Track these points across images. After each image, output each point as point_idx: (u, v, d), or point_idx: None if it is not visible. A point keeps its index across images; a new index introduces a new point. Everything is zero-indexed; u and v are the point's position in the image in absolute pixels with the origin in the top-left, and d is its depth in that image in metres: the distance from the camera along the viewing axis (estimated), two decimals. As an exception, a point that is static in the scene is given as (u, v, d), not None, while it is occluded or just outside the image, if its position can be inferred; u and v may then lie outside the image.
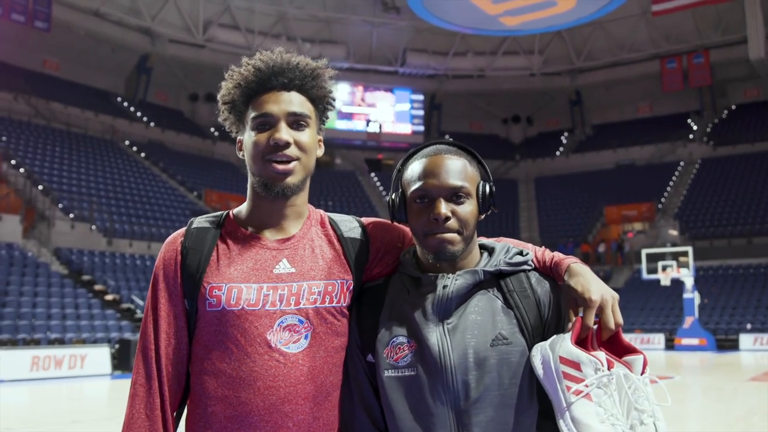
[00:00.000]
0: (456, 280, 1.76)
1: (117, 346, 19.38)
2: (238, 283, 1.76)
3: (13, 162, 28.66)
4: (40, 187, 27.99)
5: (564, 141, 50.03)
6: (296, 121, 1.80)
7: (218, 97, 1.89)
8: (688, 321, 27.33)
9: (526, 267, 1.83)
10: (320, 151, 1.90)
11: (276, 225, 1.85)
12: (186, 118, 45.15)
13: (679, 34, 44.55)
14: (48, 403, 14.01)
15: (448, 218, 1.72)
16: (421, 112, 50.59)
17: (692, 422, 10.39)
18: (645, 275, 29.16)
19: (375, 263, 1.94)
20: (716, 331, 28.44)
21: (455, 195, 1.75)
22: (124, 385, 16.73)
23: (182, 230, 1.87)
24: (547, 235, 40.00)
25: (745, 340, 27.54)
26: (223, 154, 43.14)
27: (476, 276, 1.77)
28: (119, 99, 41.37)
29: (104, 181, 31.44)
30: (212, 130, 44.62)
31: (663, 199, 40.77)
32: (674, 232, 36.13)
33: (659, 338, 28.37)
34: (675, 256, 28.57)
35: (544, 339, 1.73)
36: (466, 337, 1.71)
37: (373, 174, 47.15)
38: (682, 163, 43.27)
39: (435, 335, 1.72)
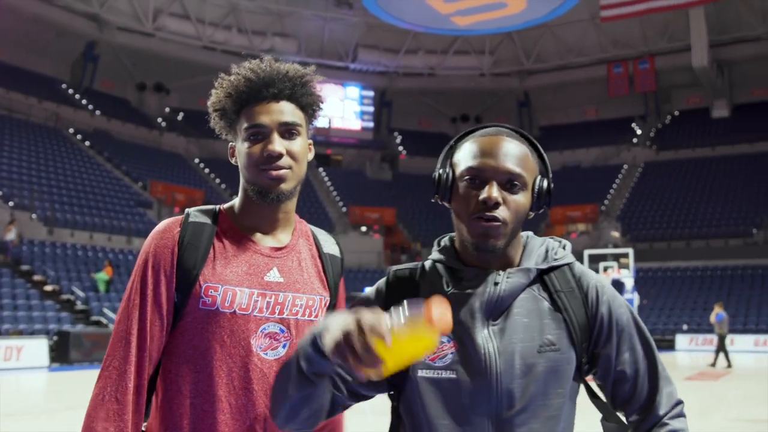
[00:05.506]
0: (508, 278, 1.58)
1: (55, 338, 19.02)
2: (233, 286, 1.80)
3: (-50, 147, 27.91)
4: (-21, 174, 27.33)
5: (511, 141, 50.53)
6: (288, 131, 1.84)
7: (208, 103, 1.91)
8: (628, 321, 27.89)
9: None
10: (311, 155, 1.95)
11: (268, 229, 1.90)
12: (133, 107, 44.41)
13: (626, 40, 45.42)
14: (-18, 395, 13.68)
15: (498, 204, 1.54)
16: (371, 109, 50.63)
17: (629, 420, 10.61)
18: (587, 276, 29.65)
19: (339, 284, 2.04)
20: (654, 331, 29.08)
21: (510, 182, 1.56)
22: (62, 378, 16.43)
23: (176, 220, 1.87)
24: (493, 234, 40.36)
25: (681, 340, 28.31)
26: (170, 145, 42.57)
27: (529, 275, 1.60)
28: (64, 86, 40.51)
29: (46, 169, 30.78)
30: (159, 120, 44.00)
31: (606, 201, 41.55)
32: (616, 234, 36.87)
33: (599, 338, 28.94)
34: (616, 257, 29.15)
35: (590, 345, 1.60)
36: (513, 340, 1.54)
37: (321, 169, 46.98)
38: (625, 166, 44.15)
39: (481, 336, 1.55)
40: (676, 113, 47.66)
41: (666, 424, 1.57)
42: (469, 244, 1.58)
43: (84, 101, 40.21)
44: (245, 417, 1.78)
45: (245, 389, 1.78)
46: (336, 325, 1.37)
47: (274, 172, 1.80)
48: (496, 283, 1.57)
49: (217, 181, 41.42)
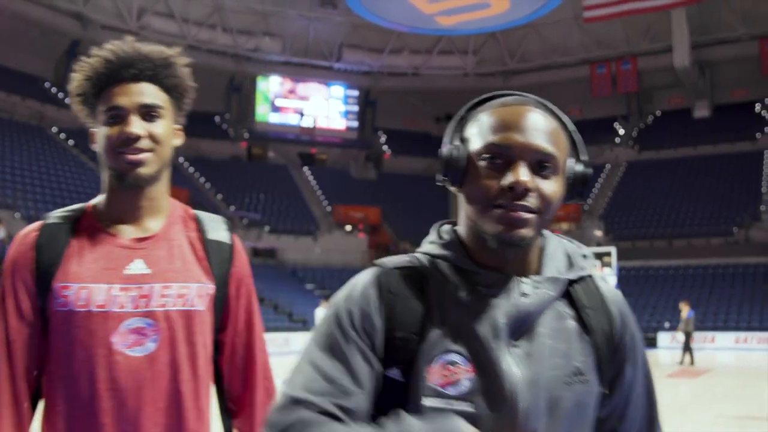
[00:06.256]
0: (536, 287, 1.25)
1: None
2: (88, 283, 1.71)
3: (-67, 146, 27.72)
4: (-38, 173, 27.17)
5: (496, 141, 50.75)
6: (148, 113, 1.75)
7: (69, 89, 1.85)
8: (610, 319, 28.11)
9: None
10: (178, 141, 1.85)
11: (134, 220, 1.80)
12: (116, 106, 44.20)
13: (609, 41, 45.66)
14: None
15: (528, 191, 1.20)
16: (356, 108, 50.58)
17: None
18: (570, 274, 29.86)
19: (236, 279, 1.88)
20: (636, 330, 29.32)
21: (541, 164, 1.23)
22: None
23: (36, 224, 1.83)
24: (477, 233, 40.52)
25: (663, 338, 28.57)
26: (154, 144, 42.42)
27: (559, 286, 1.28)
28: (48, 84, 40.24)
29: (30, 168, 30.63)
30: (143, 119, 43.82)
31: (589, 201, 41.76)
32: (599, 233, 37.09)
33: (582, 336, 29.14)
34: (599, 256, 29.27)
35: (613, 376, 1.31)
36: (541, 368, 1.22)
37: (305, 168, 47.00)
38: (608, 166, 44.40)
39: (506, 361, 1.21)
40: (658, 113, 47.95)
41: None
42: (488, 237, 1.23)
43: (68, 100, 39.76)
44: (115, 419, 1.68)
45: (111, 389, 1.67)
46: None
47: (132, 156, 1.72)
48: (523, 294, 1.24)
49: (202, 180, 41.29)
